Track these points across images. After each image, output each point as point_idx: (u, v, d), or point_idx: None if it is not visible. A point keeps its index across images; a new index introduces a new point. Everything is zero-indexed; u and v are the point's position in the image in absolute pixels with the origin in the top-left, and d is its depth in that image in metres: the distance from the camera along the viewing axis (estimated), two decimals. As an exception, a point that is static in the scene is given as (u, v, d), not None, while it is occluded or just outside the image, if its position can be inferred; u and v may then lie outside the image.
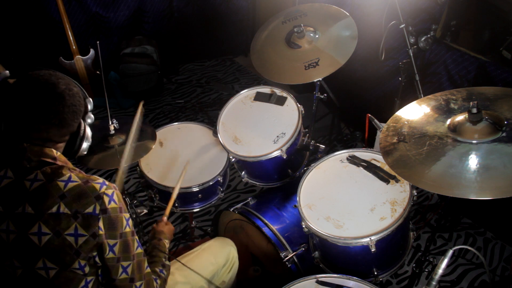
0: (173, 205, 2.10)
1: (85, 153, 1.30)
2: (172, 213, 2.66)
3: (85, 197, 1.14)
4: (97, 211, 1.14)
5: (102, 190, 1.16)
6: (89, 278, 1.18)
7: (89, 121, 1.31)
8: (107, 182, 1.20)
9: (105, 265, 1.19)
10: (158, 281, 1.34)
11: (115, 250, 1.18)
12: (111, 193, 1.18)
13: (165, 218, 1.72)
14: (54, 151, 1.20)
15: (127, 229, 1.20)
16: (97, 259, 1.18)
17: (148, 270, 1.29)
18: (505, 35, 2.13)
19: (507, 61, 2.16)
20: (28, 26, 3.45)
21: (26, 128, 1.16)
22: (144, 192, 2.19)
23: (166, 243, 1.57)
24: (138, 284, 1.24)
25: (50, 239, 1.12)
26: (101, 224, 1.14)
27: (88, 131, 1.29)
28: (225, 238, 1.89)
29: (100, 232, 1.14)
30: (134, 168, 2.25)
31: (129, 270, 1.21)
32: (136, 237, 1.26)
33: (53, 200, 1.12)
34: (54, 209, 1.12)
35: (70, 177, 1.15)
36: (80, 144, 1.26)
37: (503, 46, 2.15)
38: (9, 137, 1.18)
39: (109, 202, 1.16)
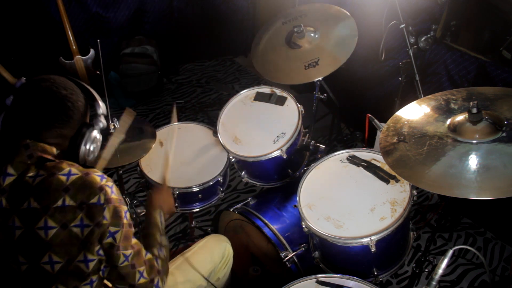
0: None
1: (91, 157, 1.31)
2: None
3: (89, 188, 1.17)
4: (102, 201, 1.17)
5: (103, 182, 1.20)
6: (94, 277, 1.20)
7: (99, 125, 1.32)
8: (105, 176, 1.24)
9: (105, 252, 1.20)
10: (159, 261, 1.36)
11: (116, 237, 1.20)
12: (111, 186, 1.22)
13: (165, 185, 1.66)
14: (54, 149, 1.23)
15: (125, 221, 1.24)
16: (101, 251, 1.20)
17: (149, 256, 1.32)
18: (505, 35, 2.13)
19: (507, 61, 2.16)
20: (28, 26, 3.45)
21: (33, 129, 1.20)
22: (144, 192, 2.19)
23: (157, 215, 1.51)
24: (141, 269, 1.27)
25: (57, 232, 1.14)
26: (106, 213, 1.17)
27: (93, 134, 1.29)
28: (219, 235, 1.89)
29: (105, 221, 1.17)
30: (134, 168, 2.25)
31: (130, 257, 1.25)
32: (132, 229, 1.28)
33: (57, 194, 1.14)
34: (60, 202, 1.14)
35: (70, 171, 1.18)
36: (79, 147, 1.26)
37: (503, 46, 2.15)
38: (7, 135, 1.21)
39: (111, 193, 1.20)
